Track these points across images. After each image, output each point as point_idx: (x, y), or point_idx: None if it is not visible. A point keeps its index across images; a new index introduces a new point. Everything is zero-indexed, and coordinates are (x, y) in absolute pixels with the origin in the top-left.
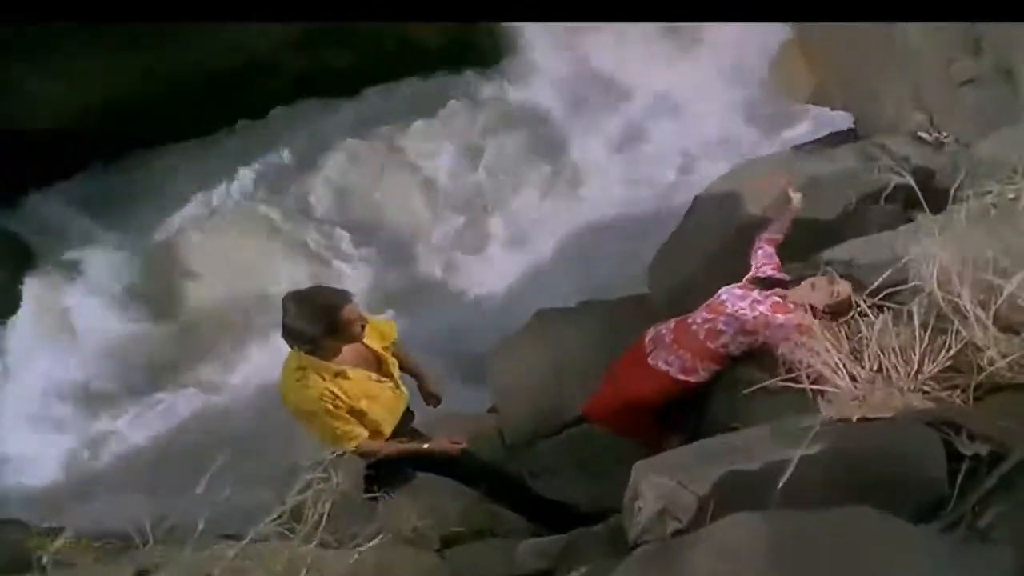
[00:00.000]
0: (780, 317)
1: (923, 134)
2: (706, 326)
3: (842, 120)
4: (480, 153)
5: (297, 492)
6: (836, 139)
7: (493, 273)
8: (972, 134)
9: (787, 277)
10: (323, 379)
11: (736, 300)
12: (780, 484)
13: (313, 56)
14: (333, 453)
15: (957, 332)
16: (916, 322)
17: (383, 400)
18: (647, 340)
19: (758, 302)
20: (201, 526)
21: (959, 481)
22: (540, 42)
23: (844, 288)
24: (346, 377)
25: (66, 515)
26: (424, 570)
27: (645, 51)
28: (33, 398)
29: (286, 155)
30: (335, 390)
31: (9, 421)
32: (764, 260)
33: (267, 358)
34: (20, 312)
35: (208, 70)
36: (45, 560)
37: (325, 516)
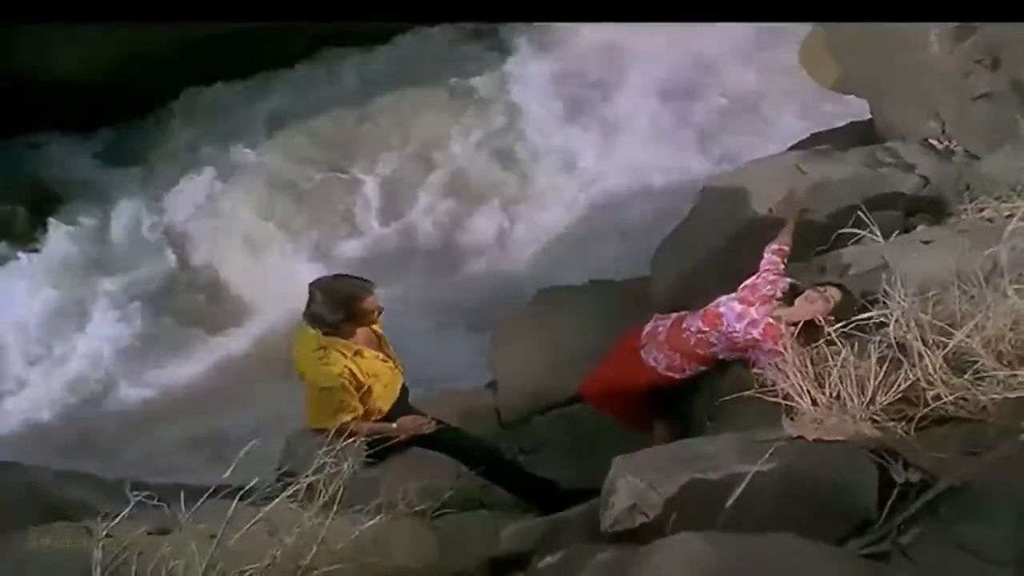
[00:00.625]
0: (770, 343)
1: (933, 141)
2: (698, 335)
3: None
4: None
5: (312, 472)
6: (855, 129)
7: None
8: (981, 147)
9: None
10: (344, 357)
11: (733, 319)
12: (731, 500)
13: None
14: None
15: (909, 369)
16: (873, 359)
17: (384, 379)
18: (643, 333)
19: (754, 323)
20: (236, 497)
21: (890, 503)
22: None
23: (834, 293)
24: (362, 356)
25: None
26: (417, 541)
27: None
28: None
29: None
30: (353, 368)
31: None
32: (767, 266)
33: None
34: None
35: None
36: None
37: (338, 498)
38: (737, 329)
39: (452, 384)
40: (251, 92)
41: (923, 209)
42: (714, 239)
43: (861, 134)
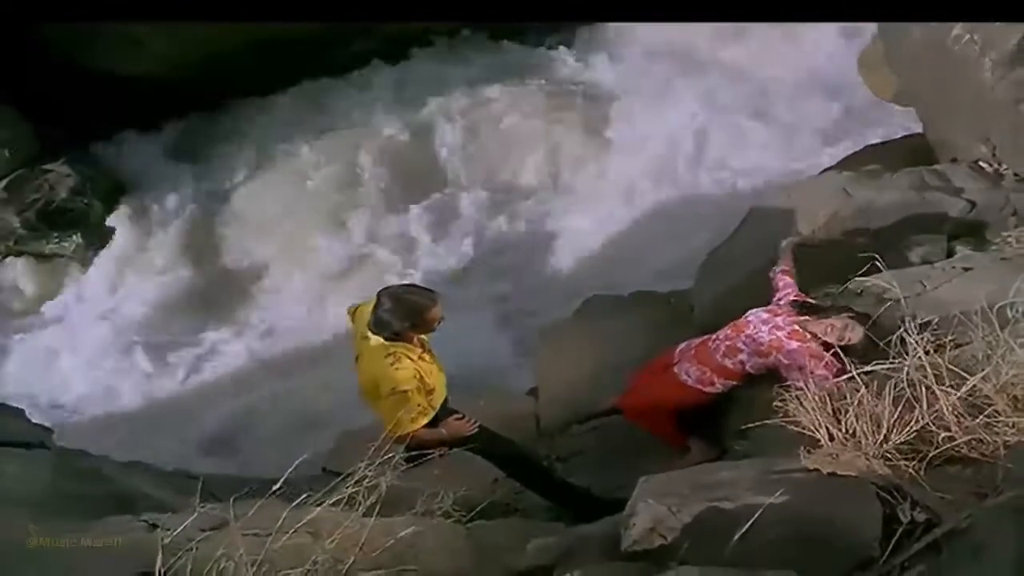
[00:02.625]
0: (794, 344)
1: (984, 164)
2: (727, 343)
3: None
4: None
5: (353, 484)
6: (910, 142)
7: None
8: None
9: (815, 302)
10: (411, 360)
11: (759, 323)
12: (739, 533)
13: None
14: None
15: (922, 412)
16: (889, 398)
17: (436, 378)
18: (677, 351)
19: (778, 328)
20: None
21: (894, 541)
22: None
23: (855, 336)
24: (423, 359)
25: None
26: (450, 548)
27: None
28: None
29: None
30: (420, 370)
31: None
32: (786, 289)
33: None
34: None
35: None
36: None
37: (377, 507)
38: (763, 330)
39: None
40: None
41: (967, 233)
42: (757, 259)
43: (916, 147)
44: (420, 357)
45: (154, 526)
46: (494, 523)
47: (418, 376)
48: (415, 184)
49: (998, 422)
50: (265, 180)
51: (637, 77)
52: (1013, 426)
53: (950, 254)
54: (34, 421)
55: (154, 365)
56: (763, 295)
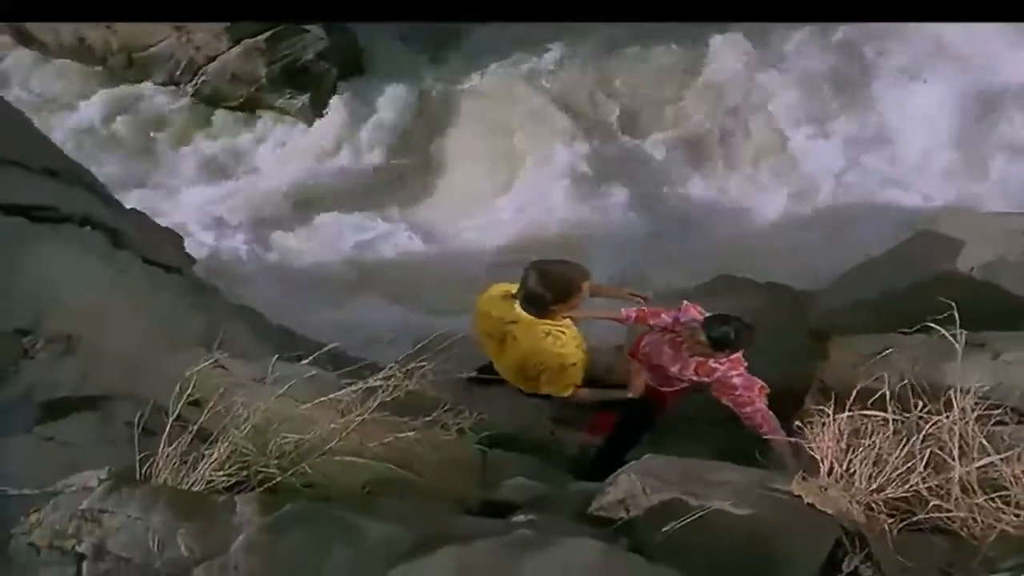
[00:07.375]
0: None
1: None
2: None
3: None
4: None
5: (381, 377)
6: None
7: None
8: None
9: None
10: (564, 335)
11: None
12: (667, 528)
13: None
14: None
15: (924, 476)
16: (901, 451)
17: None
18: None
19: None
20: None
21: None
22: None
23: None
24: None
25: None
26: (446, 458)
27: None
28: None
29: None
30: (576, 341)
31: None
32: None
33: None
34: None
35: None
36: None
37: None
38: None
39: None
40: None
41: None
42: (897, 281)
43: None
44: (569, 328)
45: (220, 367)
46: (511, 455)
47: (581, 347)
48: None
49: (1004, 507)
50: (498, 79)
51: None
52: (1018, 516)
53: None
54: (186, 250)
55: (318, 231)
56: (888, 317)
